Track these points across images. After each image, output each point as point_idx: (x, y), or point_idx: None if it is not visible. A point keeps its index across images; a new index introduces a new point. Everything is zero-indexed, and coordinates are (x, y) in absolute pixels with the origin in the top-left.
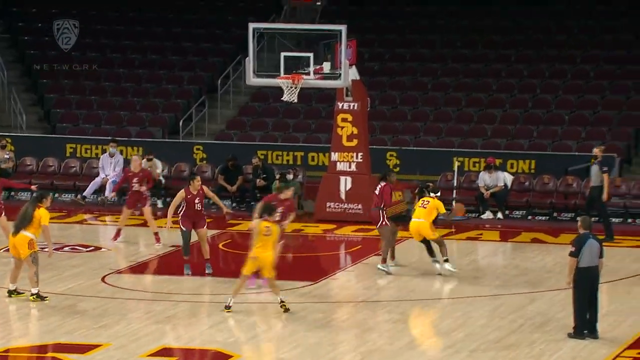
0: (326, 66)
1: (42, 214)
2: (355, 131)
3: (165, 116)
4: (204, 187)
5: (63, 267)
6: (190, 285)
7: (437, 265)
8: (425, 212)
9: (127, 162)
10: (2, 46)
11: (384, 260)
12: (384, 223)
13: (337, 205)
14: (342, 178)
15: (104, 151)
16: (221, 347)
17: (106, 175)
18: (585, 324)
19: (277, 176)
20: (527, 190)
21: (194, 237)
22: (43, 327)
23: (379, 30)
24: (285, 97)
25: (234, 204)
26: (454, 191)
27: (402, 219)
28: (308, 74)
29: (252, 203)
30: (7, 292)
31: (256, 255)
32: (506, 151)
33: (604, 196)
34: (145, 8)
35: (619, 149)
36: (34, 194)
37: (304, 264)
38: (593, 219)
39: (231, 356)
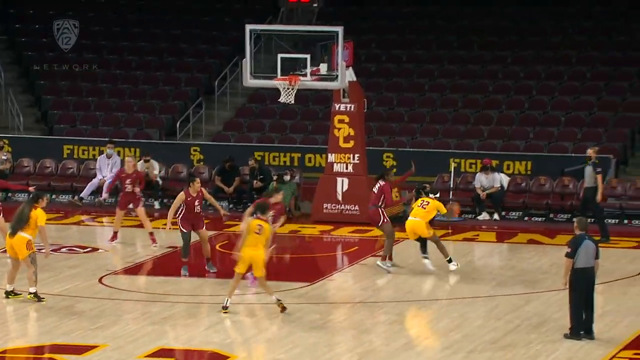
0: (323, 67)
1: (38, 214)
2: (352, 132)
3: (162, 117)
4: (203, 190)
5: (60, 268)
6: (187, 287)
7: (426, 261)
8: (424, 212)
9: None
10: None
11: (384, 258)
12: (385, 221)
13: (334, 206)
14: (339, 179)
15: (101, 152)
16: (218, 348)
17: (103, 177)
18: (581, 324)
19: (275, 177)
20: (524, 191)
21: (193, 238)
22: (40, 328)
23: (375, 31)
24: (282, 99)
25: (231, 205)
26: (451, 192)
27: (399, 220)
28: (305, 75)
29: (249, 204)
30: (5, 293)
31: (248, 253)
32: (502, 152)
33: (598, 197)
34: (142, 10)
35: (615, 150)
36: (30, 195)
37: (301, 265)
38: (589, 220)
39: (228, 357)
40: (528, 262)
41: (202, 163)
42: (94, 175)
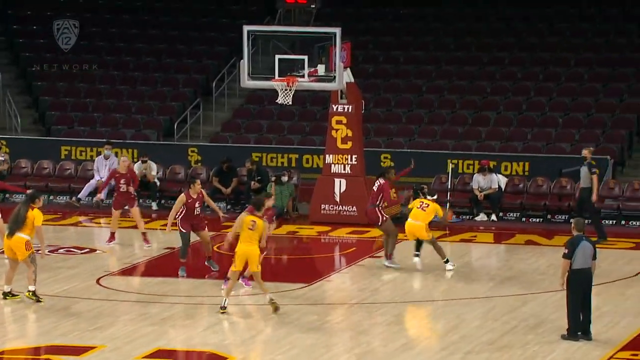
0: (320, 69)
1: (35, 214)
2: (350, 133)
3: (160, 118)
4: (203, 191)
5: (58, 269)
6: (185, 287)
7: (416, 259)
8: (424, 214)
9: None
10: None
11: (389, 256)
12: (384, 219)
13: (332, 207)
14: (337, 180)
15: (98, 153)
16: (216, 349)
17: (101, 178)
18: (578, 325)
19: (273, 178)
20: (521, 192)
21: (192, 238)
22: (38, 329)
23: (373, 32)
24: (279, 100)
25: (229, 206)
26: (448, 193)
27: (397, 221)
28: (302, 76)
29: (246, 205)
30: (2, 294)
31: (243, 249)
32: (500, 153)
33: (593, 197)
34: (140, 11)
35: (613, 151)
36: (26, 195)
37: (299, 265)
38: (586, 221)
39: (226, 358)
40: (525, 263)
41: (199, 164)
42: (92, 177)
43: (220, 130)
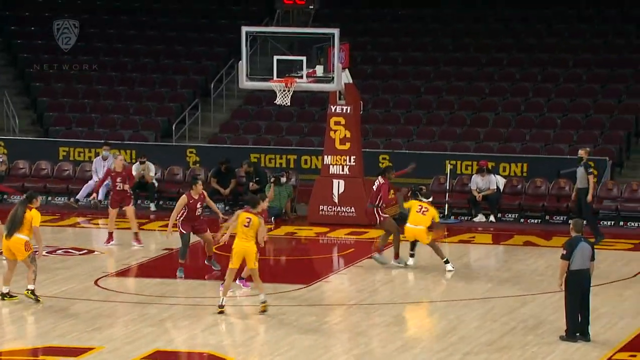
0: (319, 69)
1: (33, 215)
2: (348, 134)
3: (158, 119)
4: (204, 192)
5: (56, 270)
6: (183, 288)
7: (411, 260)
8: (425, 219)
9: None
10: None
11: (397, 256)
12: (382, 219)
13: (330, 208)
14: (335, 181)
15: (97, 154)
16: (214, 350)
17: (99, 179)
18: (577, 326)
19: (272, 179)
20: (520, 193)
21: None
22: (36, 330)
23: (371, 33)
24: (278, 101)
25: (227, 207)
26: (447, 194)
27: (395, 222)
28: (301, 77)
29: (245, 206)
30: (0, 295)
31: (239, 246)
32: (498, 154)
33: (589, 197)
34: (138, 11)
35: (611, 152)
36: (24, 196)
37: (297, 266)
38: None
39: (224, 359)
40: (524, 264)
41: (198, 165)
42: (90, 177)
43: (218, 131)
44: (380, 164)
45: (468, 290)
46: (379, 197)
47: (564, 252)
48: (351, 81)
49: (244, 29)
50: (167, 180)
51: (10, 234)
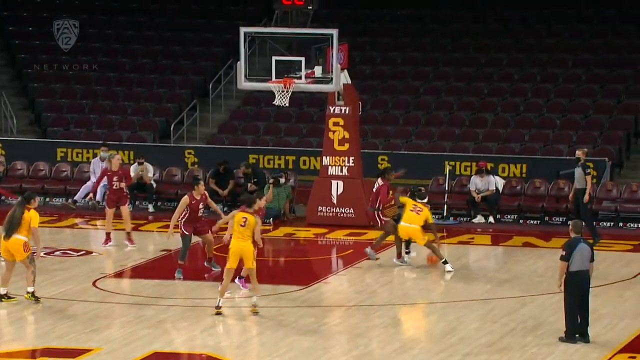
0: (317, 70)
1: (32, 215)
2: (347, 135)
3: (156, 120)
4: (206, 193)
5: (54, 271)
6: (181, 290)
7: (407, 258)
8: (418, 218)
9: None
10: None
11: (399, 255)
12: (383, 222)
13: (329, 209)
14: (334, 182)
15: (94, 155)
16: (212, 351)
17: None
18: (576, 327)
19: (270, 180)
20: (519, 194)
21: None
22: (34, 331)
23: (370, 34)
24: (276, 101)
25: (225, 208)
26: (446, 195)
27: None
28: (299, 78)
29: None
30: None
31: (236, 246)
32: (498, 155)
33: (585, 197)
34: (136, 12)
35: (610, 153)
36: (21, 196)
37: (296, 268)
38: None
39: None
40: (523, 265)
41: (196, 166)
42: (88, 178)
43: (217, 131)
44: (379, 165)
45: (467, 291)
46: (378, 199)
47: (564, 253)
48: (350, 82)
49: (243, 30)
50: (165, 181)
51: (8, 234)
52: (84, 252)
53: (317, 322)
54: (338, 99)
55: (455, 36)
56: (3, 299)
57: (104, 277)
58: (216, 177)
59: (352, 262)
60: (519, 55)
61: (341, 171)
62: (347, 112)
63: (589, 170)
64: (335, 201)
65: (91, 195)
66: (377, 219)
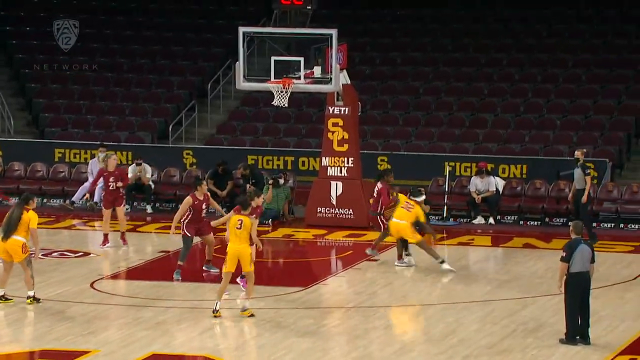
0: (317, 70)
1: (31, 216)
2: (346, 136)
3: (154, 121)
4: (208, 193)
5: (51, 272)
6: (180, 291)
7: (406, 259)
8: (409, 215)
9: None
10: None
11: (400, 257)
12: (386, 225)
13: (328, 210)
14: (333, 183)
15: (92, 156)
16: (211, 353)
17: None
18: (576, 329)
19: (270, 181)
20: (519, 195)
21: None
22: (32, 333)
23: (370, 34)
24: (275, 102)
25: (224, 209)
26: (445, 196)
27: None
28: (298, 78)
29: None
30: None
31: (234, 249)
32: (498, 156)
33: (584, 198)
34: (134, 12)
35: (611, 153)
36: (20, 197)
37: (295, 269)
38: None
39: None
40: (524, 267)
41: (194, 167)
42: (86, 179)
43: (215, 132)
44: (378, 166)
45: (467, 292)
46: (379, 203)
47: (564, 254)
48: (349, 82)
49: (241, 30)
50: (163, 182)
51: (6, 236)
52: (81, 253)
53: (316, 324)
54: (337, 100)
55: (455, 36)
56: (1, 301)
57: (101, 278)
58: (215, 178)
59: (351, 264)
60: (519, 55)
61: (340, 172)
62: (346, 112)
63: (588, 171)
64: (334, 202)
65: (88, 196)
66: (380, 222)
